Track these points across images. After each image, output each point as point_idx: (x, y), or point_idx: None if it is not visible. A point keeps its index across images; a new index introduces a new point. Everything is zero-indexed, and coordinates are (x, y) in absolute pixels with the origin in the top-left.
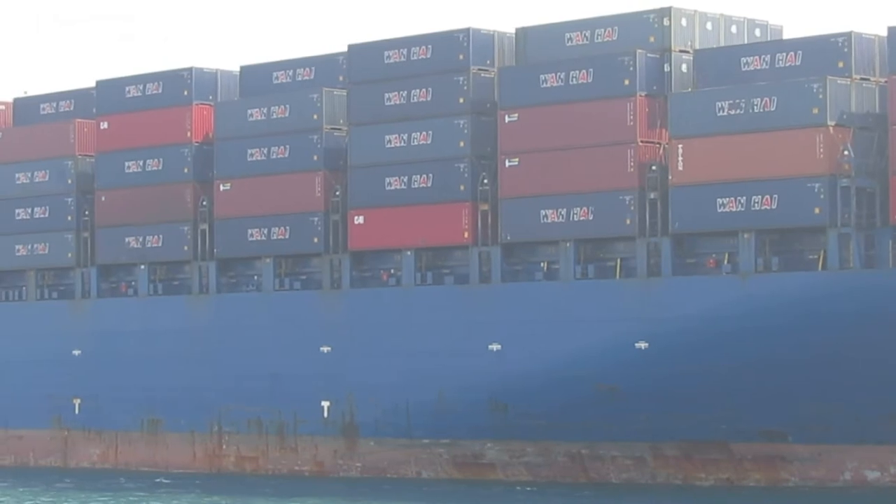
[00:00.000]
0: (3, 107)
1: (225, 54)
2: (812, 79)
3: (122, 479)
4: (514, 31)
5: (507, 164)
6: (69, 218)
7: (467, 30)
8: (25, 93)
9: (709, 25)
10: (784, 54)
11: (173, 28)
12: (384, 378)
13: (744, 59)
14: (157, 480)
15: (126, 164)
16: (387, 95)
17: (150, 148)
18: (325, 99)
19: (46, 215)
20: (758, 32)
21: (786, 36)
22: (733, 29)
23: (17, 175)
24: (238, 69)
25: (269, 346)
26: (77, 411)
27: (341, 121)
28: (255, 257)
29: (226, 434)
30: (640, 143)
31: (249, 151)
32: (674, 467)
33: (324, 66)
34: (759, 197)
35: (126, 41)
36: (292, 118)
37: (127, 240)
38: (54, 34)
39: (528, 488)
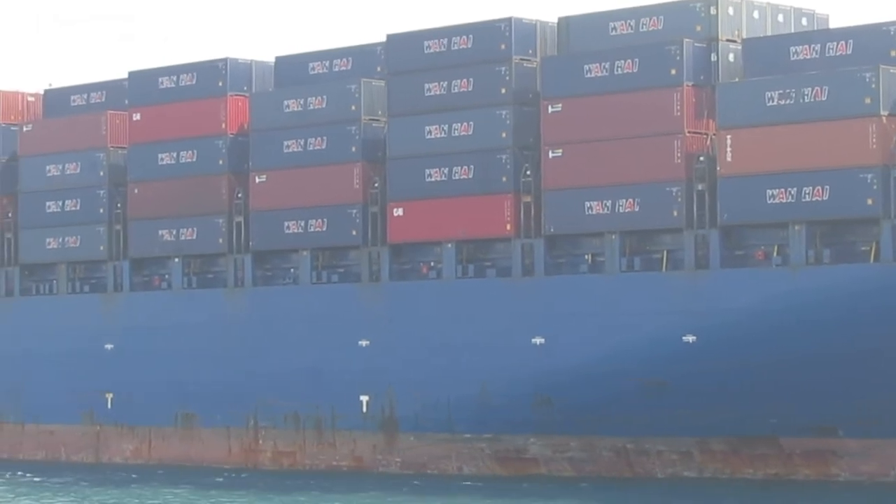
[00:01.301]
0: (32, 98)
1: (259, 45)
2: (864, 68)
3: (211, 477)
4: (556, 20)
5: (551, 154)
6: (101, 210)
7: (509, 19)
8: (50, 85)
9: (756, 14)
10: (834, 43)
11: (173, 28)
12: (425, 372)
13: (793, 49)
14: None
15: (159, 155)
16: (427, 86)
17: (183, 139)
18: (363, 89)
19: (78, 208)
20: (804, 21)
21: (832, 25)
22: (780, 18)
23: (47, 167)
24: (273, 60)
25: (306, 340)
26: (109, 406)
27: (380, 112)
28: (292, 250)
29: (262, 429)
30: (688, 134)
31: (286, 143)
32: (721, 462)
33: (361, 57)
34: (810, 188)
35: (126, 41)
36: (330, 109)
37: (160, 232)
38: (54, 34)
39: (583, 484)
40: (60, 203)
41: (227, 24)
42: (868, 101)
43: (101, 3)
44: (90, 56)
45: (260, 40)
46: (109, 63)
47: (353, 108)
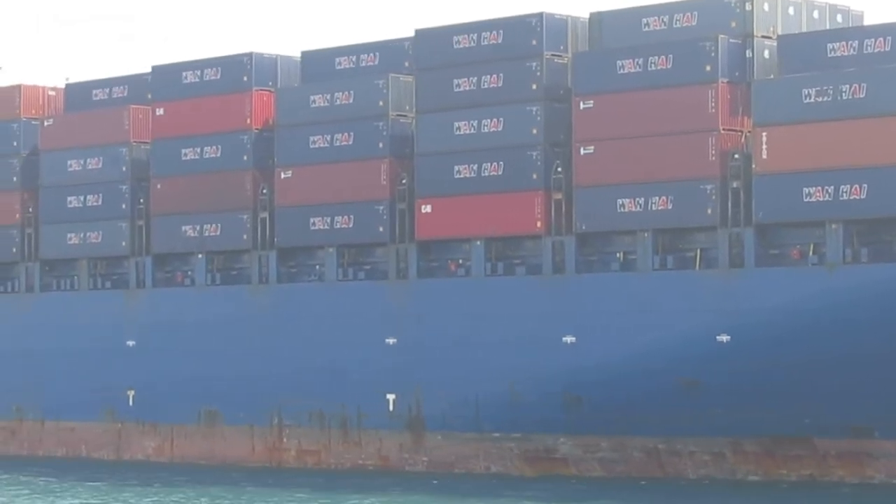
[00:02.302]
0: (53, 93)
1: (284, 40)
2: None
3: (236, 477)
4: (587, 15)
5: (582, 151)
6: (123, 206)
7: (540, 14)
8: (67, 80)
9: (791, 10)
10: (872, 40)
11: (173, 28)
12: (453, 370)
13: (830, 45)
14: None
15: (183, 151)
16: (456, 82)
17: (208, 135)
18: (391, 85)
19: (100, 203)
20: (839, 18)
21: (867, 22)
22: (815, 14)
23: (68, 162)
24: (298, 55)
25: (331, 338)
26: (131, 403)
27: (407, 107)
28: (318, 247)
29: (286, 427)
30: (722, 131)
31: (312, 138)
32: (754, 463)
33: (388, 52)
34: (848, 186)
35: (126, 41)
36: (357, 104)
37: (183, 228)
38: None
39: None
40: (82, 198)
41: (252, 19)
42: None
43: (101, 3)
44: (90, 56)
45: (285, 35)
46: (108, 63)
47: (381, 103)
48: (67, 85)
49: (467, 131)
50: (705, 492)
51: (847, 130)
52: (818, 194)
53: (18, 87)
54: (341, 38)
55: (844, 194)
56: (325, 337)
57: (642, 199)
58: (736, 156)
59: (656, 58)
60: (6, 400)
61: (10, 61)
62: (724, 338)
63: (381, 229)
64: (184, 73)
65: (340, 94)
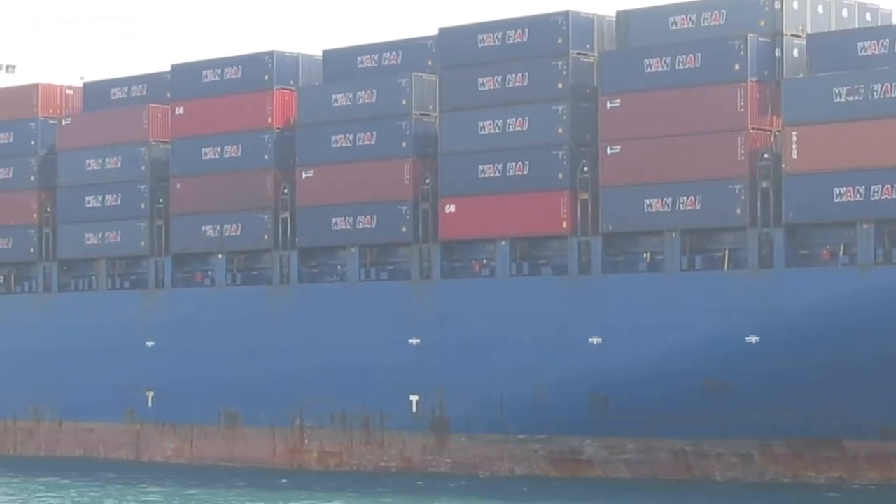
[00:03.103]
0: (71, 92)
1: (304, 38)
2: None
3: (257, 478)
4: (614, 14)
5: (609, 151)
6: (142, 206)
7: (566, 13)
8: (82, 79)
9: (820, 9)
10: None
11: (174, 28)
12: (477, 371)
13: (860, 44)
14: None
15: (203, 150)
16: (480, 80)
17: (228, 134)
18: (414, 83)
19: (118, 203)
20: (868, 17)
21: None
22: (844, 13)
23: (87, 161)
24: (320, 53)
25: (354, 338)
26: (150, 404)
27: (431, 106)
28: (340, 247)
29: (308, 428)
30: (752, 130)
31: (334, 138)
32: (782, 465)
33: (411, 51)
34: (879, 186)
35: (126, 41)
36: (380, 103)
37: (203, 228)
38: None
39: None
40: (100, 198)
41: (273, 18)
42: None
43: (101, 3)
44: (89, 56)
45: (306, 33)
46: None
47: (404, 102)
48: (85, 84)
49: (492, 130)
50: (733, 494)
51: (878, 130)
52: (849, 194)
53: (36, 86)
54: (363, 37)
55: (876, 194)
56: (348, 337)
57: (670, 199)
58: (765, 155)
59: (684, 56)
60: (23, 400)
61: (12, 60)
62: (753, 338)
63: (404, 229)
64: (204, 72)
65: (363, 92)
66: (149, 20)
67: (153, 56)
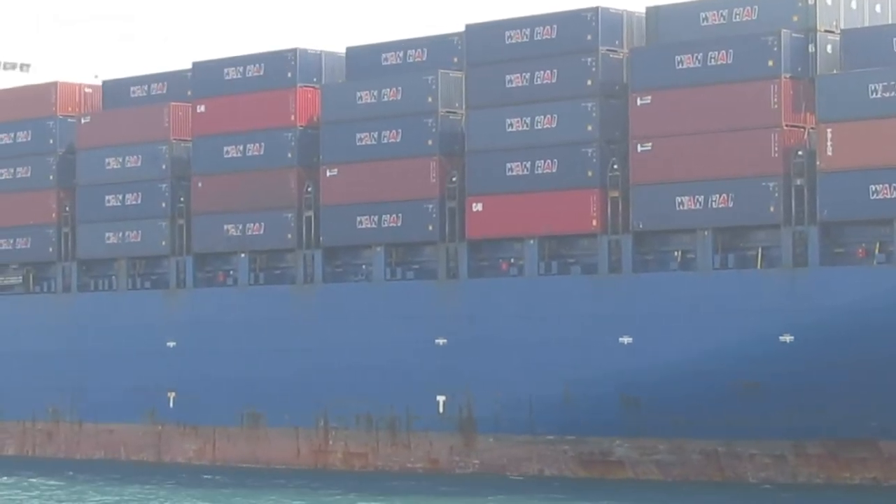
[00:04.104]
0: (90, 90)
1: (326, 35)
2: None
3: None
4: (643, 10)
5: (639, 148)
6: (163, 205)
7: (596, 9)
8: (97, 77)
9: (853, 4)
10: None
11: (174, 28)
12: (505, 371)
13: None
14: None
15: (225, 148)
16: (508, 77)
17: (251, 132)
18: (440, 81)
19: (139, 202)
20: None
21: None
22: (878, 8)
23: (106, 160)
24: (343, 50)
25: (379, 338)
26: (171, 405)
27: (457, 104)
28: (365, 246)
29: (332, 429)
30: (785, 127)
31: (358, 136)
32: (816, 466)
33: (437, 47)
34: None
35: (126, 41)
36: (405, 101)
37: (225, 227)
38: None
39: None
40: (120, 197)
41: (295, 14)
42: None
43: (101, 3)
44: (93, 55)
45: (328, 30)
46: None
47: (430, 99)
48: (104, 82)
49: (520, 128)
50: (766, 495)
51: None
52: (885, 191)
53: (55, 84)
54: (386, 34)
55: None
56: (373, 337)
57: (702, 196)
58: (799, 153)
59: (716, 52)
60: (43, 402)
61: (26, 59)
62: (788, 338)
63: (430, 228)
64: (225, 70)
65: (388, 90)
66: (149, 20)
67: (171, 55)
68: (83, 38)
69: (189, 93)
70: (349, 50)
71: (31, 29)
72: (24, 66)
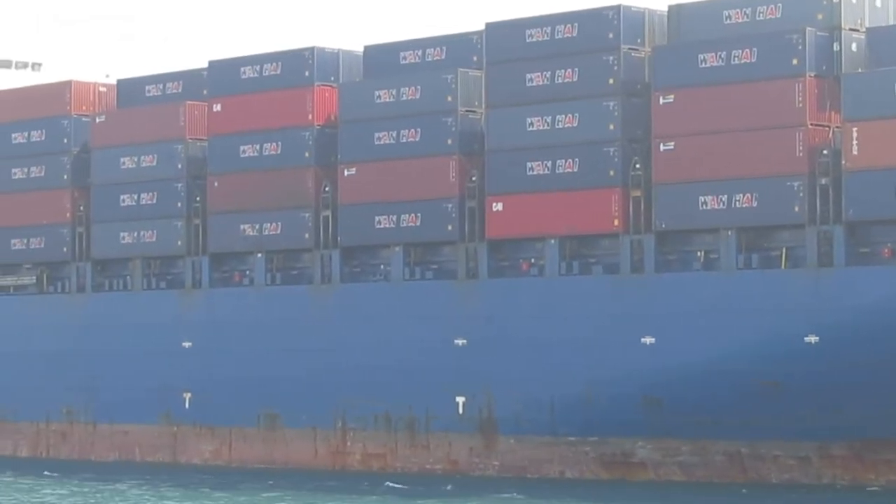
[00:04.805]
0: (104, 89)
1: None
2: None
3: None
4: (665, 8)
5: (662, 147)
6: (179, 204)
7: (617, 7)
8: (107, 76)
9: (878, 2)
10: None
11: (174, 28)
12: (526, 372)
13: None
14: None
15: (241, 147)
16: (528, 76)
17: (267, 131)
18: (459, 79)
19: (154, 202)
20: None
21: None
22: None
23: (121, 160)
24: (361, 49)
25: (398, 339)
26: (187, 406)
27: (476, 103)
28: (383, 245)
29: (350, 430)
30: (810, 126)
31: (377, 135)
32: (841, 468)
33: (456, 46)
34: None
35: (126, 41)
36: (424, 100)
37: (242, 227)
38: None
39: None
40: (135, 196)
41: (310, 13)
42: None
43: (101, 3)
44: (102, 55)
45: (344, 29)
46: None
47: (450, 98)
48: (119, 81)
49: (541, 127)
50: (790, 497)
51: None
52: None
53: (69, 83)
54: (401, 33)
55: None
56: (392, 337)
57: (725, 196)
58: (825, 152)
59: (740, 51)
60: (57, 402)
61: (38, 58)
62: (812, 338)
63: (449, 228)
64: (242, 69)
65: (407, 89)
66: (149, 20)
67: (190, 55)
68: (86, 38)
69: (205, 92)
70: (367, 49)
71: (38, 28)
72: (36, 66)
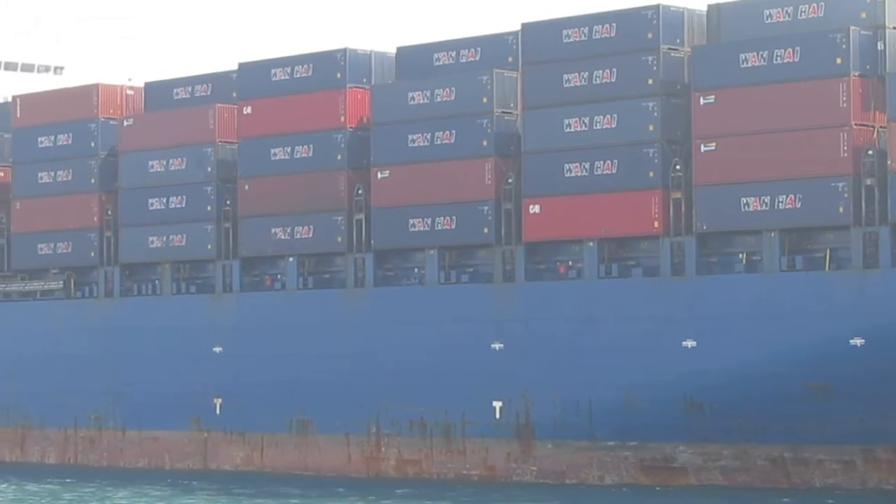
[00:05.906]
0: (132, 92)
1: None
2: None
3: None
4: (705, 7)
5: (703, 148)
6: (209, 208)
7: (657, 6)
8: (130, 80)
9: None
10: None
11: (174, 28)
12: (564, 376)
13: None
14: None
15: (272, 150)
16: (566, 77)
17: (299, 133)
18: (495, 80)
19: (184, 205)
20: None
21: None
22: None
23: (150, 163)
24: (394, 51)
25: (433, 343)
26: (218, 412)
27: (512, 104)
28: (418, 249)
29: (385, 436)
30: (854, 126)
31: (411, 137)
32: (887, 472)
33: (491, 47)
34: None
35: (126, 41)
36: (459, 101)
37: (273, 230)
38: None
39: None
40: (164, 200)
41: (342, 14)
42: None
43: (101, 2)
44: (91, 57)
45: (376, 30)
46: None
47: (485, 100)
48: (147, 84)
49: (578, 128)
50: (834, 502)
51: None
52: None
53: (96, 86)
54: (434, 34)
55: None
56: (427, 342)
57: (768, 197)
58: (870, 152)
59: (782, 51)
60: (85, 408)
61: (60, 62)
62: (858, 341)
63: (485, 230)
64: (273, 71)
65: (441, 90)
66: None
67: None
68: (107, 41)
69: (234, 94)
70: (400, 50)
71: (59, 32)
72: (58, 69)
